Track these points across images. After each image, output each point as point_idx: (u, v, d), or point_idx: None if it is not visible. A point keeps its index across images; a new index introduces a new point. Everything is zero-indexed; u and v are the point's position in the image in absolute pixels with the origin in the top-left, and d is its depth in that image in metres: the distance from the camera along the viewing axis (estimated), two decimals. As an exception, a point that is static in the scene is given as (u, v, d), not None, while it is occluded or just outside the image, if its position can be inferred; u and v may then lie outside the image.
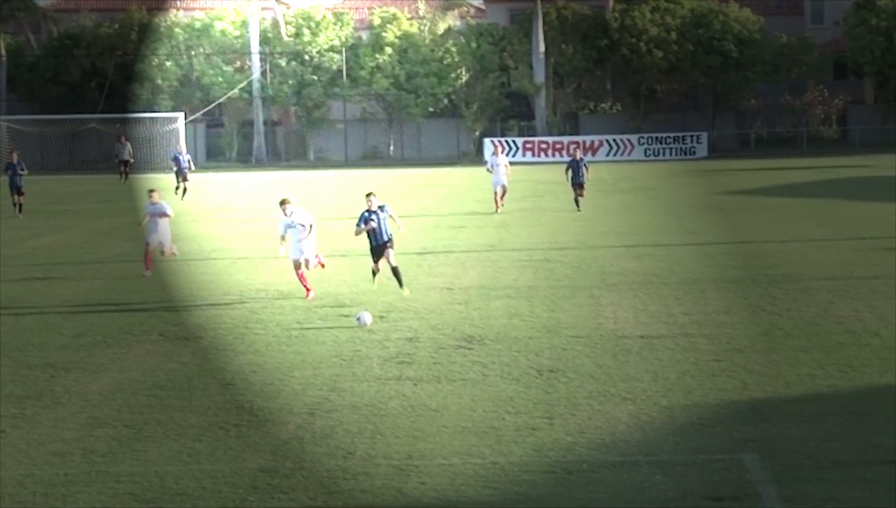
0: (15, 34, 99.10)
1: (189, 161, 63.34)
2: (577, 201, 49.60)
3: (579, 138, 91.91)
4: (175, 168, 63.14)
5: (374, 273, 30.04)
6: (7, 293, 31.80)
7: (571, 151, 57.43)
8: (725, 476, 15.71)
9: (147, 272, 33.95)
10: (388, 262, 29.16)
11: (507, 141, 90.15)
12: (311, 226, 29.49)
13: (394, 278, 29.54)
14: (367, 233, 29.11)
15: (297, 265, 29.32)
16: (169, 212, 34.54)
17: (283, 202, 29.57)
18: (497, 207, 49.89)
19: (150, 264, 34.27)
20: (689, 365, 21.97)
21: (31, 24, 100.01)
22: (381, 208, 29.34)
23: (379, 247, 29.23)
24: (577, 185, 49.74)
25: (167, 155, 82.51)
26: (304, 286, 29.38)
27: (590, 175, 50.89)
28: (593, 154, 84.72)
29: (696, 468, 16.11)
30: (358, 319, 25.63)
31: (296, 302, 28.99)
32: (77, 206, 59.92)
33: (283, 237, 29.57)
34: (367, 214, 29.13)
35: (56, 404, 20.41)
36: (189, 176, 61.94)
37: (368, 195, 29.62)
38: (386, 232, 29.19)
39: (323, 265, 30.50)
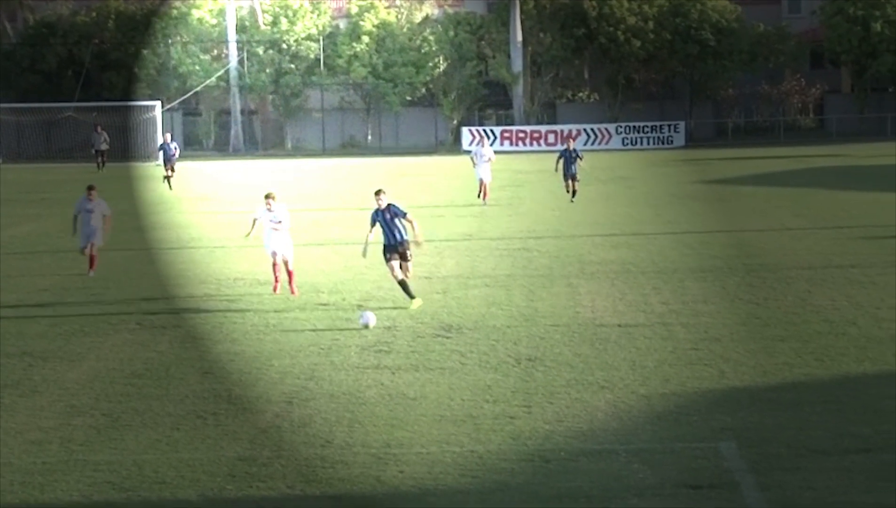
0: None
1: (176, 149, 63.17)
2: (571, 193, 49.10)
3: (557, 127, 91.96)
4: (163, 157, 62.94)
5: (403, 288, 26.92)
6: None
7: (564, 142, 56.34)
8: (703, 465, 15.77)
9: (91, 273, 32.65)
10: (404, 272, 26.88)
11: (484, 130, 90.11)
12: (285, 223, 28.82)
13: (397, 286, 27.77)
14: (382, 231, 27.06)
15: (273, 260, 28.77)
16: (107, 211, 33.46)
17: (268, 196, 28.90)
18: (483, 198, 49.37)
19: (94, 264, 32.97)
20: (667, 354, 22.05)
21: (7, 12, 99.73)
22: (389, 207, 26.97)
23: (391, 246, 26.83)
24: (570, 176, 49.21)
25: (146, 144, 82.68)
26: (275, 278, 28.77)
27: (583, 164, 50.27)
28: (568, 145, 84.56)
29: (673, 456, 16.17)
30: (361, 317, 25.00)
31: (271, 290, 28.98)
32: (54, 195, 59.70)
33: (253, 223, 29.12)
34: (375, 214, 27.05)
35: (33, 393, 20.40)
36: (175, 165, 61.70)
37: (378, 193, 27.48)
38: (399, 232, 26.84)
39: (291, 272, 28.92)
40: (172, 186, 59.74)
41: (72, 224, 33.06)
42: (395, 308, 26.56)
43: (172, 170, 61.11)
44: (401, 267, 26.66)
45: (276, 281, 28.83)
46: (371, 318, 24.67)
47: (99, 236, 32.84)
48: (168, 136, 65.88)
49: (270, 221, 28.62)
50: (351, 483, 15.46)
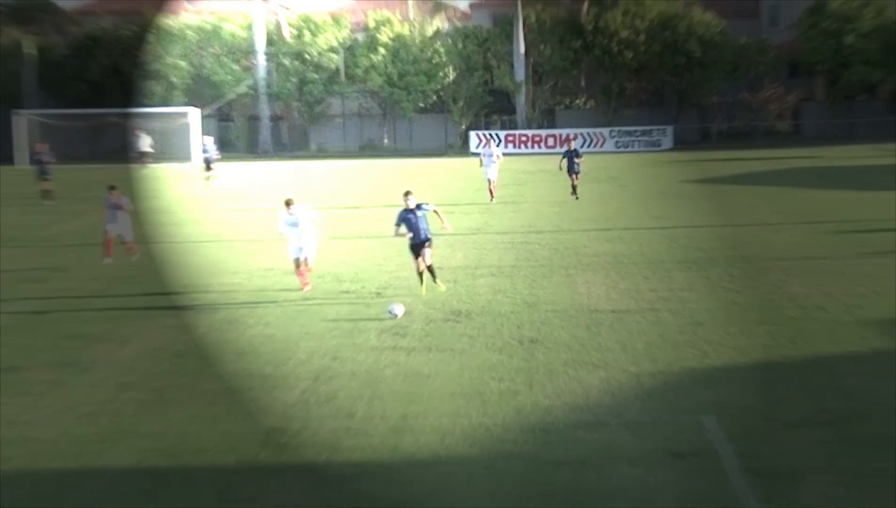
0: (43, 36, 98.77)
1: (216, 151, 63.01)
2: (574, 189, 48.78)
3: (556, 131, 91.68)
4: (204, 158, 62.83)
5: (420, 276, 27.14)
6: (39, 272, 31.95)
7: (565, 143, 55.57)
8: (686, 436, 15.94)
9: (107, 260, 33.28)
10: (423, 260, 26.77)
11: (490, 134, 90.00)
12: (311, 221, 28.25)
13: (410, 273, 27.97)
14: (409, 230, 26.72)
15: (296, 263, 28.11)
16: (127, 206, 33.99)
17: (287, 202, 28.25)
18: (491, 196, 48.94)
19: (111, 252, 33.55)
20: (655, 336, 22.17)
21: (57, 26, 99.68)
22: (418, 206, 26.77)
23: (417, 245, 26.78)
24: (574, 174, 48.83)
25: (183, 146, 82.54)
26: (302, 282, 28.07)
27: (581, 164, 49.69)
28: (569, 146, 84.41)
29: (660, 427, 16.34)
30: (389, 311, 24.68)
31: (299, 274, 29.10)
32: (100, 193, 59.72)
33: (282, 234, 28.46)
34: (403, 213, 26.79)
35: (87, 370, 20.61)
36: (213, 165, 61.56)
37: (406, 194, 27.08)
38: (424, 231, 26.67)
39: (310, 270, 28.45)
40: (211, 185, 59.72)
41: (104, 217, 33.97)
42: (410, 296, 26.67)
43: (211, 169, 61.11)
44: (424, 258, 26.59)
45: (304, 284, 28.14)
46: (399, 309, 24.52)
47: (128, 230, 33.55)
48: (210, 139, 65.75)
49: (294, 225, 28.00)
50: (371, 452, 15.65)
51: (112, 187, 34.10)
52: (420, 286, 26.96)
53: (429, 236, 26.65)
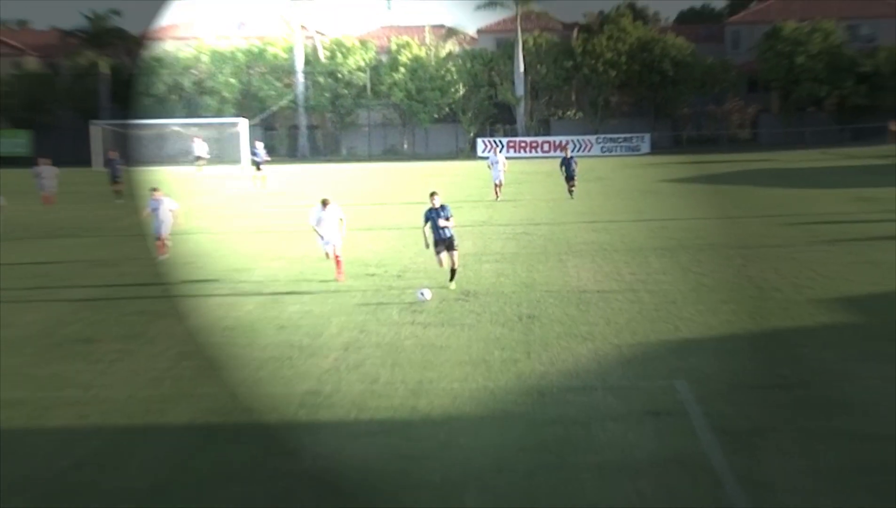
0: (115, 58, 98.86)
1: (265, 155, 62.89)
2: (570, 191, 48.15)
3: (551, 138, 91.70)
4: (254, 160, 62.74)
5: (451, 273, 25.78)
6: (112, 257, 32.00)
7: (564, 150, 54.56)
8: (661, 398, 15.90)
9: (162, 257, 31.78)
10: (451, 260, 25.46)
11: (494, 140, 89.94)
12: (341, 219, 27.46)
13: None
14: (432, 227, 25.47)
15: (327, 255, 27.68)
16: (172, 205, 32.45)
17: (324, 202, 27.35)
18: (497, 195, 48.47)
19: (165, 250, 32.10)
20: (635, 313, 22.13)
21: (127, 49, 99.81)
22: (442, 207, 25.46)
23: (440, 241, 25.46)
24: (569, 177, 48.26)
25: (234, 151, 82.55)
26: (337, 269, 27.17)
27: (577, 168, 49.01)
28: (561, 151, 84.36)
29: (639, 391, 16.31)
30: (419, 295, 23.90)
31: (332, 264, 29.03)
32: (180, 190, 59.68)
33: (315, 230, 27.68)
34: (429, 212, 25.56)
35: (151, 342, 20.61)
36: (263, 167, 61.39)
37: (432, 194, 25.82)
38: (447, 230, 25.37)
39: (338, 261, 27.36)
40: (261, 184, 59.63)
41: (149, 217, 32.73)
42: (426, 278, 26.62)
43: (260, 170, 61.02)
44: (449, 257, 25.45)
45: (340, 272, 27.25)
46: (428, 294, 23.97)
47: (166, 227, 32.13)
48: (260, 144, 65.69)
49: (325, 219, 27.37)
50: (393, 411, 15.64)
51: (154, 189, 33.18)
52: (449, 282, 25.77)
53: (451, 233, 25.54)
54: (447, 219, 25.31)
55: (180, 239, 34.84)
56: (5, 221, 41.33)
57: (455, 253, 25.55)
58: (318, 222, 27.39)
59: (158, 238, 32.04)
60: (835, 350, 18.58)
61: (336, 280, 26.90)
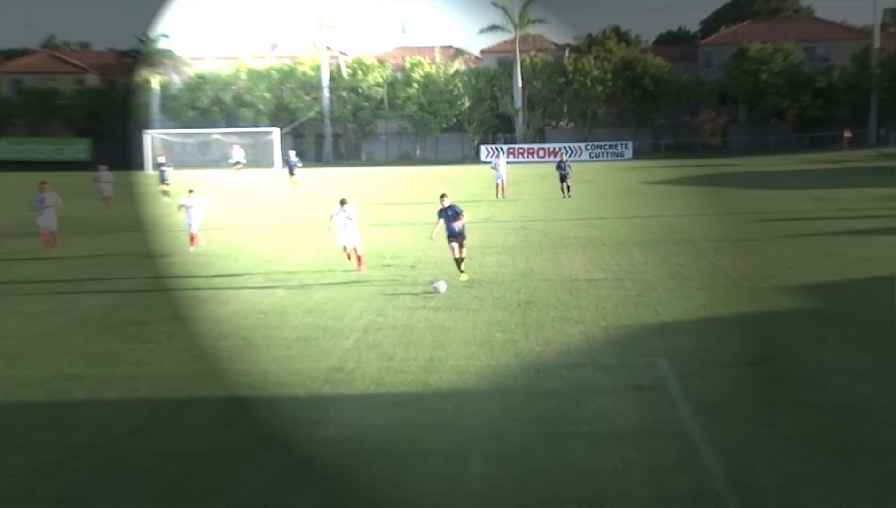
0: (165, 75, 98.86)
1: (297, 161, 62.67)
2: (565, 191, 47.55)
3: (546, 145, 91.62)
4: (287, 166, 62.51)
5: (457, 262, 25.23)
6: (161, 250, 31.91)
7: (558, 156, 53.96)
8: (644, 373, 15.83)
9: (192, 249, 31.79)
10: (459, 251, 24.99)
11: (496, 147, 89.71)
12: (354, 219, 26.55)
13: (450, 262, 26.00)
14: (445, 224, 24.90)
15: (345, 251, 26.78)
16: (203, 204, 32.60)
17: (342, 201, 26.68)
18: (497, 194, 47.89)
19: (195, 242, 32.09)
20: (620, 299, 22.05)
21: (175, 68, 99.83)
22: (451, 206, 24.99)
23: (452, 236, 24.94)
24: (563, 178, 47.81)
25: (268, 157, 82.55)
26: (358, 265, 26.60)
27: (571, 170, 48.90)
28: (554, 156, 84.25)
29: (624, 368, 16.23)
30: (435, 288, 23.27)
31: (354, 259, 28.95)
32: (207, 190, 59.73)
33: (331, 218, 26.99)
34: (440, 211, 25.04)
35: (195, 323, 20.56)
36: (296, 171, 61.15)
37: (442, 196, 25.47)
38: (457, 226, 24.82)
39: (359, 256, 26.79)
40: (294, 186, 59.43)
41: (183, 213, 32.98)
42: (436, 269, 26.55)
43: (293, 174, 60.82)
44: (459, 248, 25.03)
45: (360, 264, 26.70)
46: (442, 286, 23.37)
47: (197, 222, 32.13)
48: (292, 152, 65.51)
49: (344, 218, 26.55)
50: (407, 386, 15.56)
51: (190, 190, 33.10)
52: (459, 273, 25.28)
53: (461, 229, 25.06)
54: (458, 215, 24.77)
55: (220, 233, 34.83)
56: (65, 218, 41.31)
57: (464, 247, 25.12)
58: (339, 220, 26.80)
59: (191, 232, 32.25)
60: (796, 332, 18.49)
61: (357, 271, 26.55)
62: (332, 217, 27.11)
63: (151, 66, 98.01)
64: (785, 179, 57.35)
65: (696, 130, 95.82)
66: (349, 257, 27.08)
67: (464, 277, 24.97)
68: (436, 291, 23.17)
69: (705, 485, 11.17)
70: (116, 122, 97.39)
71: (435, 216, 25.61)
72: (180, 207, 32.89)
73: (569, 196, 47.32)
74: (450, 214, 24.96)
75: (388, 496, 11.08)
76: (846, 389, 14.82)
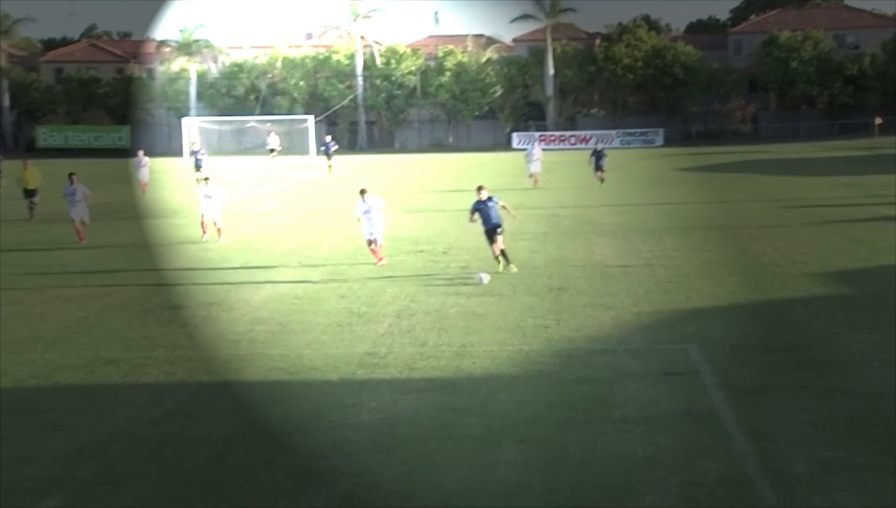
0: (202, 63, 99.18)
1: (334, 144, 62.61)
2: (600, 180, 46.30)
3: (577, 133, 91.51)
4: (325, 152, 62.51)
5: (496, 259, 23.87)
6: (196, 236, 31.95)
7: (595, 144, 52.19)
8: (675, 359, 15.70)
9: (205, 236, 30.59)
10: (497, 245, 23.67)
11: (532, 135, 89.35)
12: (382, 208, 25.29)
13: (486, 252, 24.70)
14: (481, 217, 23.73)
15: (369, 242, 25.38)
16: (217, 194, 30.78)
17: (362, 191, 25.47)
18: (535, 184, 46.55)
19: (206, 231, 30.78)
20: (652, 285, 21.90)
21: (212, 56, 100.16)
22: (489, 198, 23.70)
23: (489, 230, 23.65)
24: (598, 168, 46.57)
25: (303, 144, 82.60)
26: (376, 257, 25.36)
27: (607, 162, 47.50)
28: (586, 143, 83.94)
29: (655, 353, 16.10)
30: (479, 279, 22.37)
31: (387, 242, 28.64)
32: (239, 177, 59.93)
33: (358, 219, 25.53)
34: (477, 203, 23.71)
35: (230, 309, 20.56)
36: (332, 156, 61.10)
37: (479, 188, 23.98)
38: (494, 218, 23.52)
39: (381, 247, 25.59)
40: (331, 172, 59.32)
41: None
42: (468, 254, 26.42)
43: (330, 160, 60.77)
44: (496, 242, 23.78)
45: (378, 259, 25.47)
46: (486, 278, 22.45)
47: (218, 215, 30.54)
48: (329, 137, 65.47)
49: (365, 211, 25.18)
50: (439, 371, 15.49)
51: (206, 178, 32.03)
52: (498, 266, 23.72)
53: (498, 222, 23.63)
54: (497, 205, 23.59)
55: (256, 219, 34.83)
56: (104, 204, 41.53)
57: (500, 237, 23.68)
58: (362, 211, 25.36)
59: (212, 223, 30.69)
60: (827, 318, 18.30)
61: (375, 264, 25.26)
62: (358, 219, 25.57)
63: (188, 55, 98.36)
64: (815, 165, 56.86)
65: (726, 117, 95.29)
66: (374, 252, 25.51)
67: (514, 268, 23.54)
68: (480, 282, 22.27)
69: (737, 471, 11.03)
70: (155, 110, 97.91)
71: (469, 210, 24.27)
72: (201, 197, 31.19)
73: (603, 184, 46.28)
74: (489, 205, 23.64)
75: (421, 479, 11.01)
76: (877, 375, 14.62)
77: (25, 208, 38.22)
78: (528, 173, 48.09)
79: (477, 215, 23.96)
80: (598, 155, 47.20)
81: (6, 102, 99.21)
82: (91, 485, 11.16)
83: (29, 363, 16.43)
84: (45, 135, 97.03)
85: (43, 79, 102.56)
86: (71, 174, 32.53)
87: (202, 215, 31.06)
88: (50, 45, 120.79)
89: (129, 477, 11.34)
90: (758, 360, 15.56)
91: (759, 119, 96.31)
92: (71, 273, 25.56)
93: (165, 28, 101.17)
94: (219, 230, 30.69)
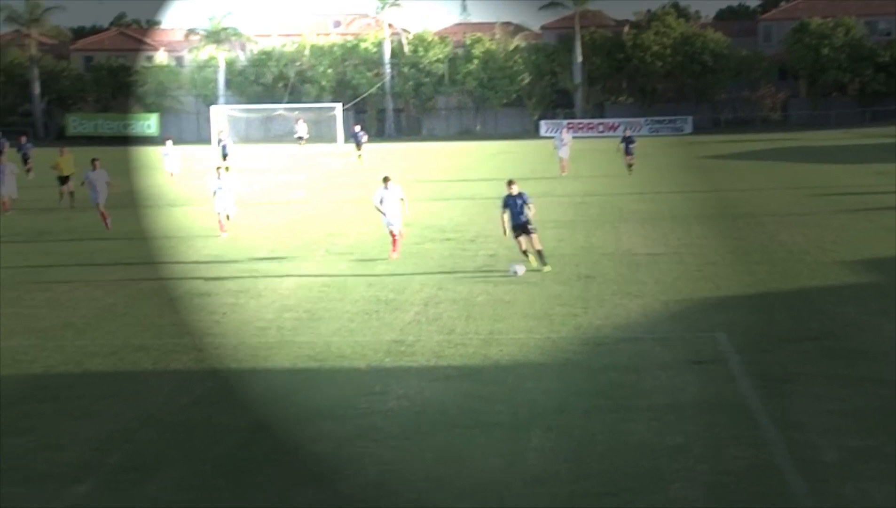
0: (230, 51, 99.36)
1: (364, 134, 62.38)
2: (629, 166, 45.63)
3: (605, 120, 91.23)
4: (354, 140, 62.32)
5: (524, 253, 22.58)
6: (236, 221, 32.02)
7: (624, 131, 51.30)
8: (704, 347, 15.64)
9: (224, 235, 28.94)
10: (532, 245, 22.38)
11: (561, 122, 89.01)
12: (402, 199, 24.50)
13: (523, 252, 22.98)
14: (510, 212, 22.48)
15: (390, 232, 24.65)
16: (230, 185, 29.18)
17: (385, 179, 24.71)
18: (563, 171, 46.10)
19: (224, 228, 29.14)
20: (680, 273, 21.81)
21: (240, 44, 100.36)
22: (519, 194, 22.49)
23: (518, 226, 22.40)
24: (628, 152, 45.79)
25: (330, 132, 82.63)
26: (393, 247, 24.72)
27: (636, 148, 46.83)
28: (614, 131, 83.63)
29: (683, 342, 16.03)
30: (514, 271, 21.74)
31: (414, 230, 28.79)
32: (266, 165, 60.09)
33: (378, 208, 24.57)
34: (507, 198, 22.60)
35: (258, 296, 20.61)
36: (363, 146, 60.91)
37: (510, 183, 22.78)
38: (524, 215, 22.27)
39: (396, 239, 24.80)
40: (360, 161, 59.24)
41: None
42: (496, 243, 26.27)
43: (361, 148, 60.62)
44: (528, 240, 22.39)
45: (394, 250, 24.75)
46: (521, 269, 21.85)
47: (231, 206, 29.11)
48: (359, 127, 65.29)
49: (386, 200, 24.37)
50: (467, 359, 15.47)
51: (218, 167, 30.52)
52: (527, 261, 22.45)
53: (528, 218, 22.37)
54: (526, 205, 22.39)
55: (284, 207, 34.84)
56: (132, 191, 41.74)
57: (534, 236, 22.45)
58: (381, 200, 24.45)
59: (224, 216, 29.16)
60: (857, 306, 18.19)
61: (390, 256, 24.64)
62: (380, 200, 24.54)
63: (217, 42, 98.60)
64: (846, 153, 56.44)
65: (755, 104, 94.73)
66: (394, 242, 24.84)
67: (547, 268, 22.31)
68: (514, 274, 21.65)
69: (766, 460, 10.97)
70: (184, 97, 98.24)
71: (499, 206, 23.14)
72: (214, 192, 29.27)
73: (631, 173, 45.69)
74: (518, 203, 22.52)
75: (448, 467, 11.00)
76: (909, 364, 14.50)
77: (59, 194, 38.20)
78: (557, 158, 47.88)
79: (508, 211, 22.64)
80: (627, 141, 46.66)
81: (37, 90, 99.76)
82: (121, 471, 11.22)
83: (59, 349, 16.55)
84: (75, 123, 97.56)
85: (73, 67, 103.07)
86: (94, 160, 32.72)
87: (217, 212, 29.31)
88: (79, 33, 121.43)
89: (159, 464, 11.40)
90: (787, 349, 15.46)
91: (789, 106, 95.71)
92: (99, 261, 25.69)
93: (194, 16, 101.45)
94: (224, 221, 29.08)
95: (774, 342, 15.82)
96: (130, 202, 37.74)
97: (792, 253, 24.00)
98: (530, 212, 22.40)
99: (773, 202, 34.20)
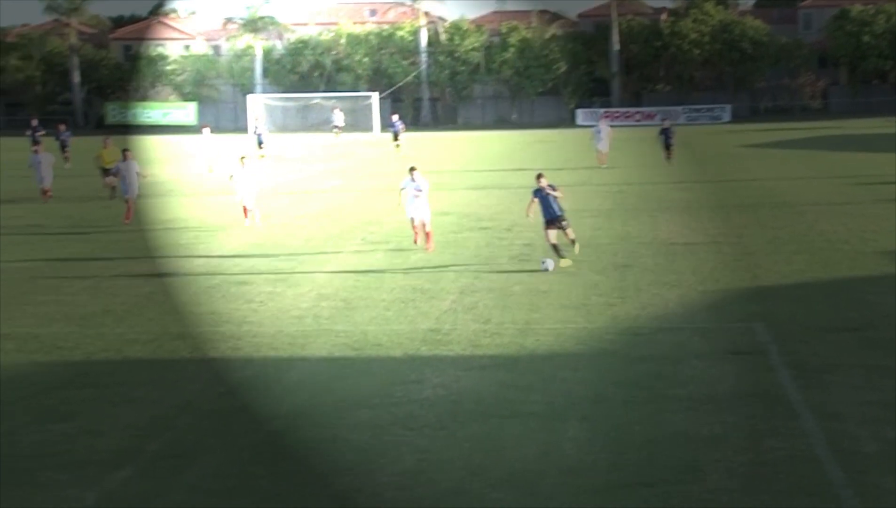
0: (267, 40, 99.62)
1: (401, 124, 61.91)
2: (667, 157, 44.87)
3: (642, 109, 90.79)
4: (392, 130, 61.98)
5: (553, 247, 21.77)
6: (262, 210, 32.14)
7: (662, 122, 50.49)
8: (742, 338, 15.59)
9: (247, 222, 28.85)
10: (567, 236, 21.76)
11: (599, 111, 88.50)
12: (424, 191, 23.89)
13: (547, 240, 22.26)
14: (541, 206, 21.73)
15: (412, 222, 24.35)
16: (251, 175, 28.99)
17: (411, 169, 24.46)
18: (601, 162, 45.01)
19: (248, 215, 29.05)
20: (718, 263, 21.71)
21: (277, 33, 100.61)
22: (551, 186, 21.79)
23: (550, 220, 21.67)
24: (667, 146, 45.21)
25: (366, 121, 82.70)
26: (415, 237, 24.47)
27: (675, 138, 46.03)
28: (651, 120, 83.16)
29: (721, 332, 15.99)
30: (545, 267, 21.17)
31: (451, 219, 28.87)
32: (319, 153, 60.19)
33: (400, 192, 24.55)
34: (537, 192, 21.77)
35: (296, 285, 20.70)
36: (400, 135, 60.54)
37: (539, 176, 22.06)
38: (557, 208, 21.61)
39: (418, 231, 24.44)
40: (397, 150, 58.99)
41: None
42: (532, 232, 26.14)
43: (398, 138, 60.35)
44: (562, 232, 21.75)
45: (416, 235, 24.49)
46: (550, 264, 21.33)
47: (251, 197, 28.95)
48: (396, 117, 64.86)
49: (413, 189, 23.93)
50: (503, 348, 15.49)
51: (242, 156, 29.95)
52: (555, 255, 21.70)
53: (560, 212, 21.75)
54: (554, 189, 21.77)
55: (321, 196, 34.88)
56: (169, 180, 41.96)
57: (569, 229, 21.95)
58: (408, 191, 24.15)
59: (243, 205, 29.14)
60: (898, 297, 18.03)
61: (414, 243, 24.42)
62: (401, 190, 24.60)
63: (254, 31, 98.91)
64: (887, 141, 55.80)
65: (795, 92, 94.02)
66: (416, 236, 24.49)
67: (565, 262, 21.56)
68: (546, 269, 21.19)
69: (805, 450, 10.92)
70: (221, 86, 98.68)
71: (530, 196, 22.44)
72: (231, 176, 29.39)
73: (670, 163, 44.95)
74: (549, 195, 21.67)
75: (484, 456, 11.03)
76: (950, 355, 14.37)
77: (102, 185, 37.70)
78: (595, 149, 47.19)
79: (538, 204, 21.98)
80: (666, 134, 45.99)
81: (77, 78, 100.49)
82: (160, 458, 11.33)
83: (99, 336, 16.72)
84: (114, 111, 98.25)
85: (112, 56, 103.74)
86: (125, 151, 32.52)
87: (241, 201, 29.20)
88: (119, 22, 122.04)
89: (197, 451, 11.49)
90: (826, 339, 15.38)
91: (829, 94, 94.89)
92: (137, 251, 25.86)
93: (232, 5, 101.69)
94: (245, 211, 29.07)
95: (813, 333, 15.74)
96: (168, 191, 37.96)
97: (831, 243, 23.84)
98: (558, 193, 21.74)
99: (812, 191, 33.95)
